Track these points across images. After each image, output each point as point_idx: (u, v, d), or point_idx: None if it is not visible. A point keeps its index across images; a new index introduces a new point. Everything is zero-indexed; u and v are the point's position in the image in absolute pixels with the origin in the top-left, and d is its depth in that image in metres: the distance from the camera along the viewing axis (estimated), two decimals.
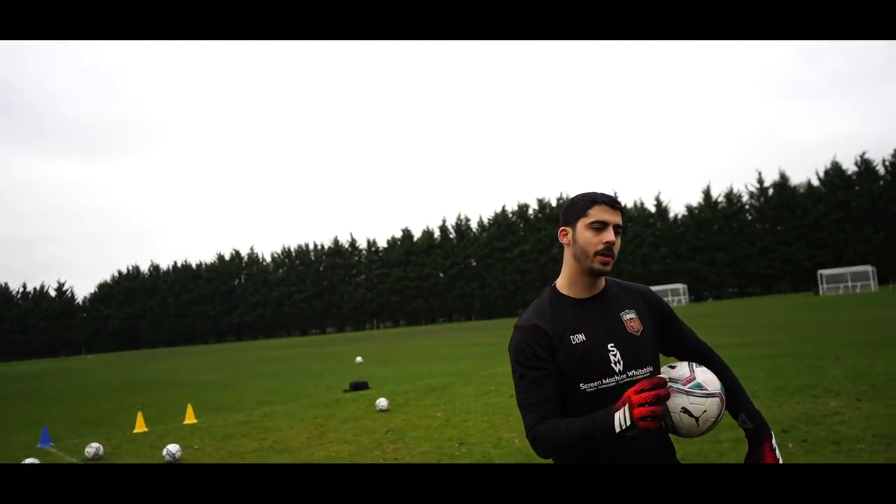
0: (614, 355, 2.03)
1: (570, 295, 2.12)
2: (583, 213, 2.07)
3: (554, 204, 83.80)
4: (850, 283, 56.32)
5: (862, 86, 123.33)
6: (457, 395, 11.84)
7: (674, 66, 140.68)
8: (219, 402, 14.49)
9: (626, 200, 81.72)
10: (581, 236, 2.05)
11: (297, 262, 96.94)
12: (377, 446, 8.14)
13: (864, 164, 69.94)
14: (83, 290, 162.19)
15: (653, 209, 79.65)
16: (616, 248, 2.06)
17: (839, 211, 68.97)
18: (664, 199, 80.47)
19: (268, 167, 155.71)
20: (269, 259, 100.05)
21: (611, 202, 2.07)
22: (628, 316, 2.11)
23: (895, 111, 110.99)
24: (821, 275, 58.61)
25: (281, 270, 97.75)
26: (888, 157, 68.88)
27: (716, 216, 75.64)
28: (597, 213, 2.05)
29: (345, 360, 25.14)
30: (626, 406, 1.77)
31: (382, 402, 10.97)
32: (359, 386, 14.46)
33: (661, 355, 2.24)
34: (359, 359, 23.38)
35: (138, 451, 9.35)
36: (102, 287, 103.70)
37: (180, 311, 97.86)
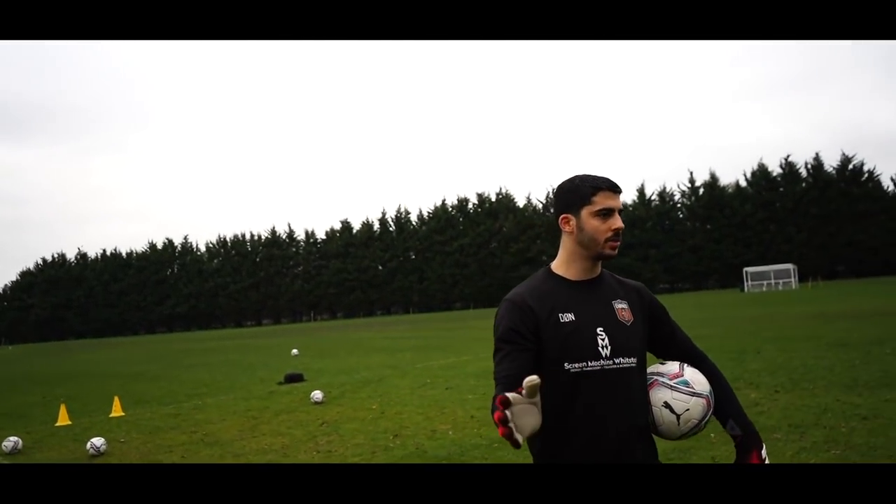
0: (602, 339, 1.98)
1: (565, 276, 2.08)
2: (587, 200, 2.02)
3: (493, 199, 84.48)
4: (773, 281, 58.73)
5: (788, 91, 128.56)
6: (392, 388, 11.86)
7: (610, 66, 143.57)
8: (147, 395, 14.11)
9: None
10: (588, 224, 2.02)
11: (233, 253, 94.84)
12: (311, 439, 8.09)
13: (789, 167, 73.08)
14: (3, 278, 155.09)
15: None
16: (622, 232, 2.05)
17: (764, 211, 71.88)
18: None
19: (204, 154, 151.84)
20: (203, 249, 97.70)
21: (613, 187, 2.04)
22: (620, 305, 2.07)
23: (816, 117, 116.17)
24: (746, 272, 60.89)
25: (216, 261, 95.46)
26: (810, 160, 72.32)
27: (649, 214, 77.68)
28: (602, 201, 2.01)
29: (280, 352, 24.80)
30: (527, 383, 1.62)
31: (317, 395, 10.88)
32: (294, 378, 14.29)
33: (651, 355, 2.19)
34: (294, 351, 23.10)
35: (60, 445, 9.03)
36: (25, 275, 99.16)
37: (109, 302, 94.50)
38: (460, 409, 9.14)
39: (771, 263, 63.80)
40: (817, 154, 72.22)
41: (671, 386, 1.99)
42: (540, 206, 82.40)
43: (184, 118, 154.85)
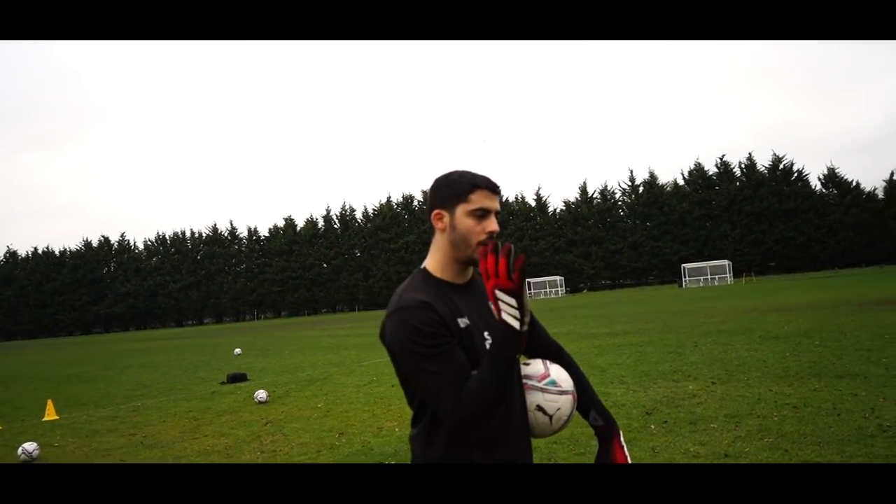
0: (490, 344, 1.86)
1: (446, 279, 1.94)
2: (463, 197, 1.88)
3: None
4: (709, 276, 60.73)
5: (722, 91, 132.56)
6: (338, 386, 11.77)
7: (553, 67, 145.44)
8: (83, 397, 13.65)
9: (508, 194, 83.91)
10: (461, 223, 1.88)
11: (173, 250, 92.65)
12: (255, 439, 7.97)
13: (724, 166, 75.53)
14: None
15: (533, 203, 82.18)
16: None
17: (701, 209, 74.15)
18: (544, 194, 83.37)
19: (142, 150, 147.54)
20: (141, 247, 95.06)
21: (492, 186, 1.92)
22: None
23: (749, 119, 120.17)
24: (684, 268, 62.81)
25: (155, 259, 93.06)
26: (744, 160, 74.88)
27: (591, 211, 79.12)
28: (479, 199, 1.88)
29: (222, 351, 24.33)
30: (498, 294, 1.66)
31: (261, 394, 10.72)
32: (237, 378, 14.04)
33: None
34: (237, 350, 22.69)
35: None
36: None
37: (41, 302, 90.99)
38: (406, 406, 9.11)
39: (707, 260, 65.91)
40: (750, 154, 75.32)
41: (541, 388, 1.95)
42: None
43: (121, 113, 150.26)
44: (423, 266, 1.99)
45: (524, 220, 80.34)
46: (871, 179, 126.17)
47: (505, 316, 1.67)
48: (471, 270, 2.02)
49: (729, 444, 5.74)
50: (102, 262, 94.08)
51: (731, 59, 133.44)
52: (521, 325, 1.67)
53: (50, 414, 11.07)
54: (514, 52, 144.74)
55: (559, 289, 70.26)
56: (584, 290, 75.90)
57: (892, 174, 69.57)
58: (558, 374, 1.99)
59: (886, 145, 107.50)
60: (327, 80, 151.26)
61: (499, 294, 1.66)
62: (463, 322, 1.86)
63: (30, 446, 7.87)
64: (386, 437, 7.33)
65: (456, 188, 1.90)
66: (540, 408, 1.94)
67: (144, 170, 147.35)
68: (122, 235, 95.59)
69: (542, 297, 67.23)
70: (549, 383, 1.96)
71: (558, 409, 1.94)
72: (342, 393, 10.90)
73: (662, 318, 20.99)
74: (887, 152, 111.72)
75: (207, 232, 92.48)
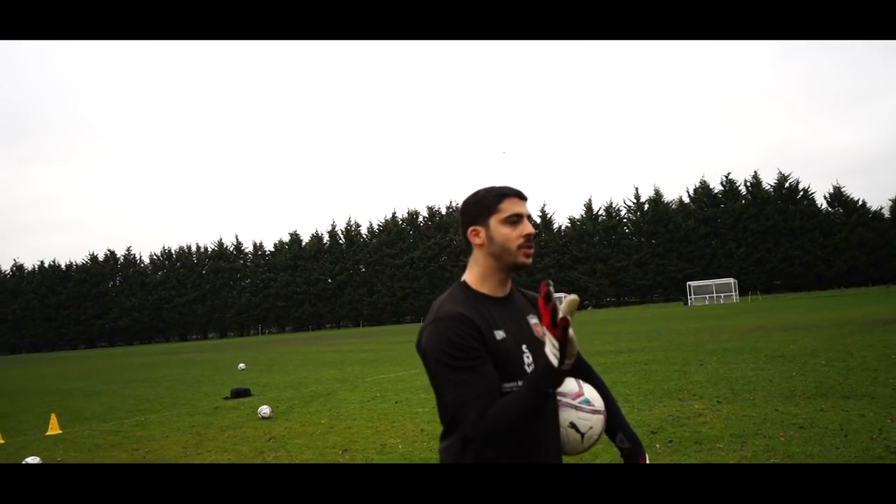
0: (527, 357, 1.93)
1: (485, 292, 1.99)
2: (494, 208, 1.97)
3: (444, 212, 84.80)
4: (714, 294, 60.49)
5: (727, 109, 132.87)
6: (342, 402, 11.74)
7: (556, 83, 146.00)
8: (86, 411, 13.63)
9: None
10: (498, 233, 1.95)
11: (178, 265, 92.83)
12: (258, 455, 7.94)
13: (729, 184, 75.55)
14: None
15: (538, 220, 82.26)
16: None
17: (707, 226, 74.06)
18: (549, 211, 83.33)
19: (148, 164, 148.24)
20: (147, 261, 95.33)
21: (519, 193, 2.00)
22: (533, 320, 2.04)
23: (755, 137, 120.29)
24: (689, 286, 62.56)
25: (160, 273, 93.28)
26: (749, 178, 74.87)
27: (596, 228, 79.06)
28: (510, 207, 1.97)
29: (226, 366, 24.30)
30: (547, 332, 1.68)
31: (265, 410, 10.70)
32: (240, 393, 14.02)
33: None
34: (241, 365, 22.65)
35: None
36: None
37: (46, 315, 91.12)
38: (410, 422, 9.11)
39: (713, 277, 65.74)
40: (756, 172, 75.00)
41: (575, 406, 1.99)
42: None
43: (127, 126, 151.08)
44: (462, 280, 2.05)
45: None
46: (877, 198, 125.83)
47: (547, 351, 1.70)
48: (509, 284, 2.07)
49: (735, 463, 5.70)
50: (108, 276, 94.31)
51: (736, 77, 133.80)
52: (560, 363, 1.68)
53: (53, 428, 11.06)
54: (519, 68, 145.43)
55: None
56: (589, 308, 75.61)
57: None
58: (591, 393, 2.04)
59: (892, 163, 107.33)
60: (334, 96, 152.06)
61: (547, 333, 1.69)
62: (499, 334, 1.90)
63: (33, 460, 7.87)
64: (389, 455, 7.30)
65: (485, 202, 1.99)
66: (573, 425, 1.98)
67: (150, 183, 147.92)
68: (128, 249, 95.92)
69: None
70: (582, 402, 2.00)
71: (591, 427, 1.99)
72: (346, 409, 10.87)
73: (668, 337, 20.90)
74: (893, 170, 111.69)
75: (213, 246, 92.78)
